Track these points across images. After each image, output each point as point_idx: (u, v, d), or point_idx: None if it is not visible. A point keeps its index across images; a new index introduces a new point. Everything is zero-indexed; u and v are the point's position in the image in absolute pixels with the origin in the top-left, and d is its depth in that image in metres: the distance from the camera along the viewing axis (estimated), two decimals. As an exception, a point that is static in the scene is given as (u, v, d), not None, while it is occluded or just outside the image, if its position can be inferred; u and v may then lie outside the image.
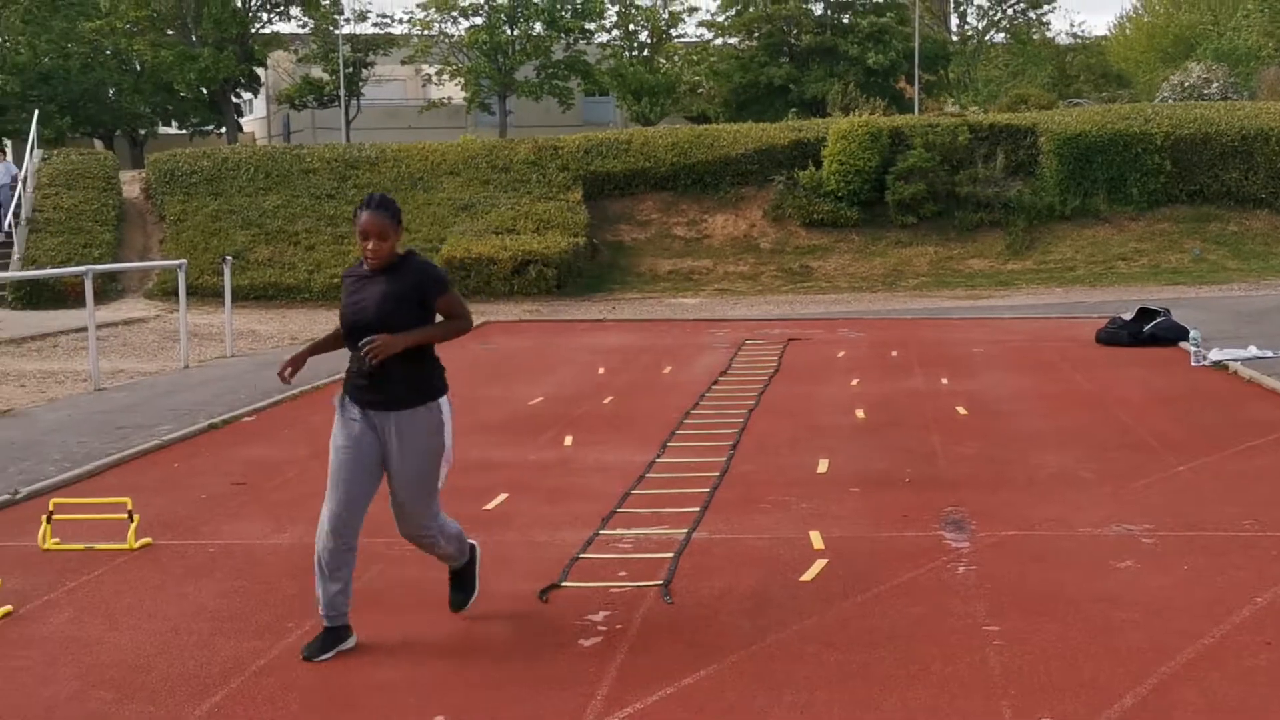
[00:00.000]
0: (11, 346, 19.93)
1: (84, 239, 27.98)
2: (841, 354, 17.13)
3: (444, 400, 6.17)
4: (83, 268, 18.13)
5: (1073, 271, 27.24)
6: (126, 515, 8.28)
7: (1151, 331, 16.76)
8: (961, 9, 64.35)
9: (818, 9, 55.18)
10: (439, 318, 6.21)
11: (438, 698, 5.47)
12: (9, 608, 6.98)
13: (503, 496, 9.38)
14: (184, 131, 58.52)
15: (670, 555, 7.67)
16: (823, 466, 10.11)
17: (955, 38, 62.50)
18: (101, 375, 15.79)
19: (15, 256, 27.25)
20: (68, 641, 6.54)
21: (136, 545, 8.18)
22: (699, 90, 56.05)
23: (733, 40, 55.82)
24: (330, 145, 35.26)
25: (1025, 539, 7.89)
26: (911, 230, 29.34)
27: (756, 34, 54.37)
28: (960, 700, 5.45)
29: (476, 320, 22.86)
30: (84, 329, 21.45)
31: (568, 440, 11.56)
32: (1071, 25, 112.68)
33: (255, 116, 66.50)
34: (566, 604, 6.88)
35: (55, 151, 33.36)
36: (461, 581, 6.59)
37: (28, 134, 46.12)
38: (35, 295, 25.81)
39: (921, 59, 50.86)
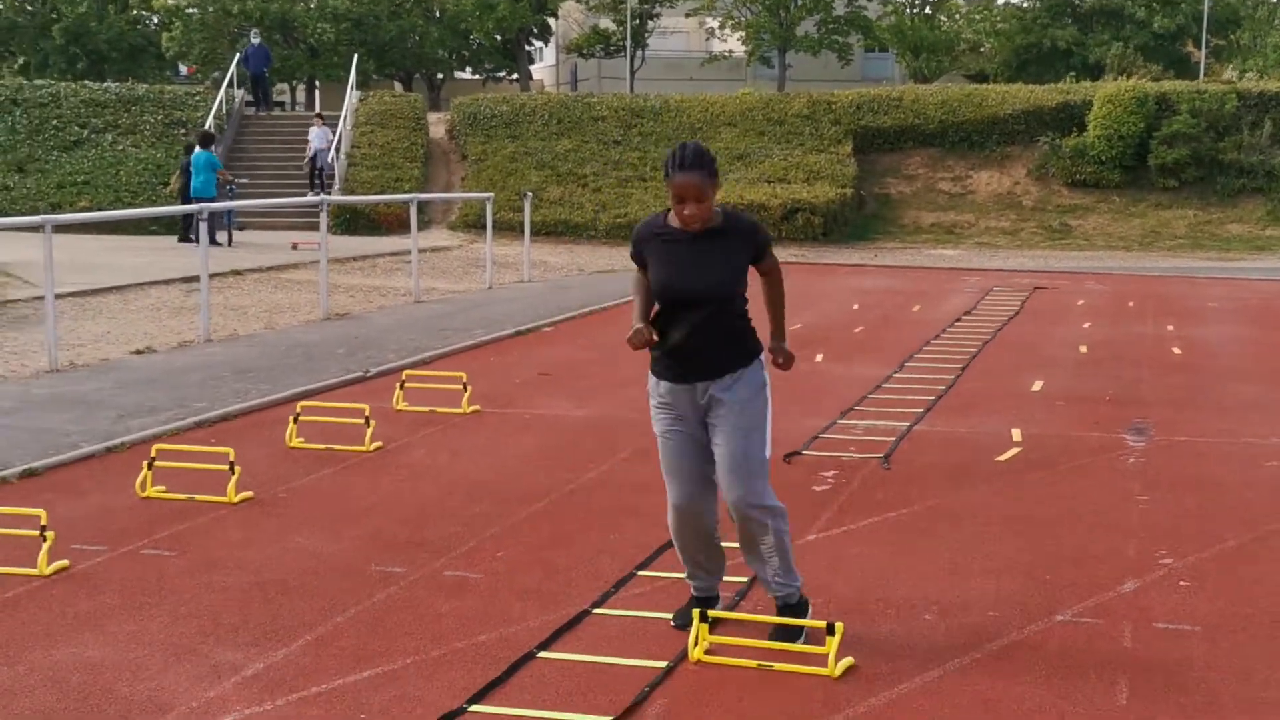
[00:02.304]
0: (337, 265, 22.57)
1: (395, 174, 30.81)
2: (1081, 302, 18.46)
3: (763, 358, 5.68)
4: (408, 195, 20.62)
5: (1334, 240, 27.67)
6: (462, 386, 10.48)
7: (1385, 294, 17.62)
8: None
9: (1105, -31, 55.05)
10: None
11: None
12: (380, 443, 9.19)
13: (760, 393, 11.26)
14: (478, 77, 61.82)
15: (893, 439, 9.46)
16: (1037, 386, 11.72)
17: (1248, 1, 61.26)
18: (410, 291, 18.20)
19: (336, 186, 30.22)
20: (425, 468, 8.70)
21: (469, 410, 10.35)
22: (980, 49, 56.50)
23: (1016, 0, 56.07)
24: (617, 95, 37.45)
25: (1194, 443, 9.42)
26: (1172, 194, 30.06)
27: (1041, -7, 54.59)
28: (1099, 538, 7.11)
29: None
30: (397, 253, 24.24)
31: (819, 357, 13.39)
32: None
33: (545, 64, 69.52)
34: (806, 466, 8.74)
35: (371, 93, 36.45)
36: (789, 623, 5.65)
37: (340, 77, 50.03)
38: (353, 222, 28.68)
39: (1211, 23, 50.37)
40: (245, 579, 6.41)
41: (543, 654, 5.46)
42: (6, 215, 25.84)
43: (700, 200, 5.38)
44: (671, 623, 5.78)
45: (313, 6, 53.96)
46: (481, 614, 5.93)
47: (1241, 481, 8.34)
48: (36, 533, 6.53)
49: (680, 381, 5.56)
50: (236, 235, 26.07)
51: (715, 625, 5.60)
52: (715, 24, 58.03)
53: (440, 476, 8.44)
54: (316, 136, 30.79)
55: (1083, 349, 14.00)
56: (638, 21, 57.28)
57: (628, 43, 56.13)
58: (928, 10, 57.16)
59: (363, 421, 9.19)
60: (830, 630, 5.28)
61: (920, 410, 10.55)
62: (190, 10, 53.21)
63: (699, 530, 5.67)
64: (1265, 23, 61.90)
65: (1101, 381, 12.01)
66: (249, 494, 7.86)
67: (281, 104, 58.53)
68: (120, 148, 31.16)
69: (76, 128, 31.82)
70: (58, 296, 17.02)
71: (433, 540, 7.05)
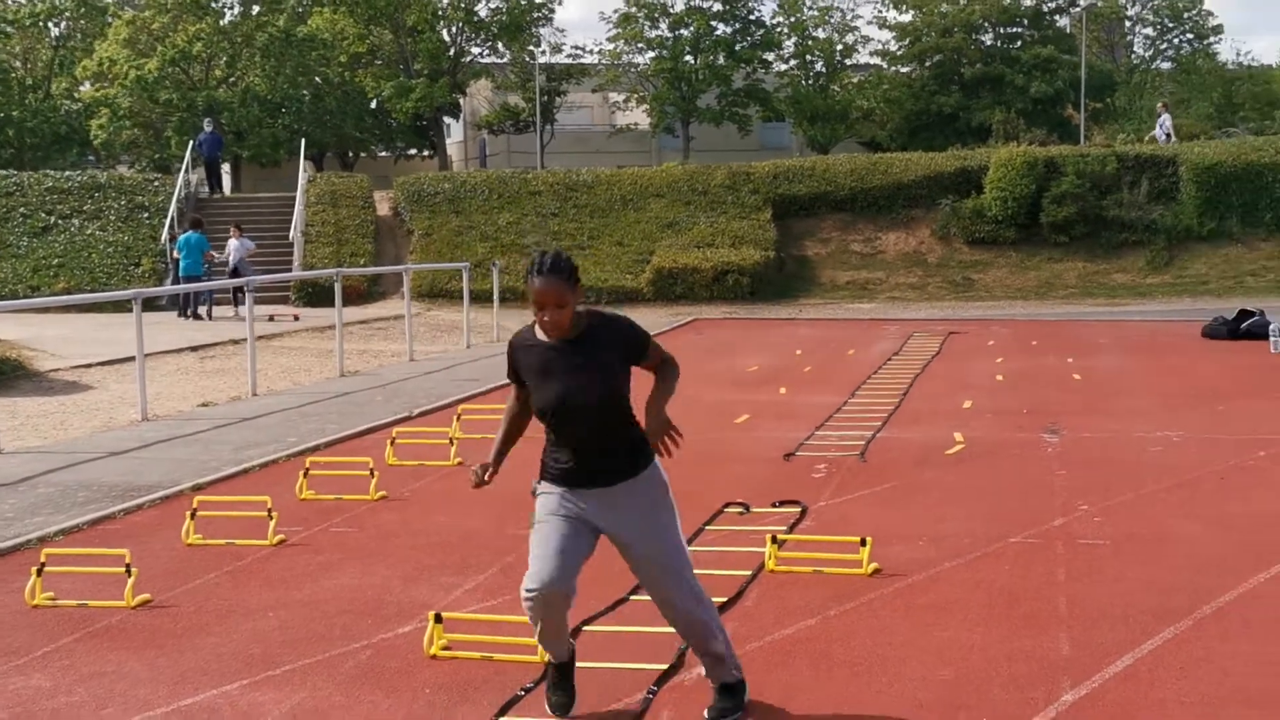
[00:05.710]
0: (316, 333, 24.86)
1: (350, 248, 33.13)
2: (991, 343, 21.24)
3: (659, 460, 5.58)
4: (400, 266, 22.99)
5: (1205, 285, 30.84)
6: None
7: (1247, 328, 20.55)
8: (1129, 39, 67.18)
9: (987, 39, 58.75)
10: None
11: (726, 496, 9.81)
12: (461, 460, 11.56)
13: (746, 415, 13.81)
14: (388, 154, 64.25)
15: (864, 442, 12.02)
16: (967, 404, 14.37)
17: (1121, 67, 65.33)
18: (398, 352, 20.52)
19: (296, 262, 32.44)
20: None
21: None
22: (872, 117, 59.84)
23: (904, 70, 59.49)
24: (552, 171, 39.99)
25: (1095, 438, 12.10)
26: (1063, 248, 33.18)
27: (927, 63, 58.09)
28: (1033, 498, 9.70)
29: (686, 318, 27.68)
30: (363, 321, 26.50)
31: (782, 389, 15.96)
32: (1238, 54, 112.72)
33: (453, 140, 72.01)
34: (801, 463, 11.25)
35: (319, 174, 38.72)
36: (731, 692, 5.66)
37: (259, 157, 52.24)
38: (317, 295, 30.83)
39: (1087, 88, 54.01)
40: (431, 539, 8.79)
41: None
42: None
43: (561, 305, 5.33)
44: (551, 710, 5.71)
45: (235, 91, 56.02)
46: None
47: (1132, 460, 11.00)
48: (264, 514, 8.86)
49: (579, 487, 5.48)
50: (214, 311, 28.21)
51: (781, 545, 8.06)
52: (620, 98, 60.97)
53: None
54: (235, 249, 29.18)
55: (999, 377, 16.70)
56: (546, 98, 60.05)
57: (537, 118, 58.76)
58: (821, 81, 60.46)
59: (447, 441, 11.57)
60: (863, 542, 7.77)
61: (878, 423, 13.13)
62: (116, 99, 55.04)
63: (561, 618, 5.51)
64: (1139, 87, 66.21)
65: (1018, 399, 14.69)
66: (384, 493, 10.21)
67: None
68: (89, 232, 33.16)
69: (43, 214, 33.78)
70: (94, 365, 19.28)
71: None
